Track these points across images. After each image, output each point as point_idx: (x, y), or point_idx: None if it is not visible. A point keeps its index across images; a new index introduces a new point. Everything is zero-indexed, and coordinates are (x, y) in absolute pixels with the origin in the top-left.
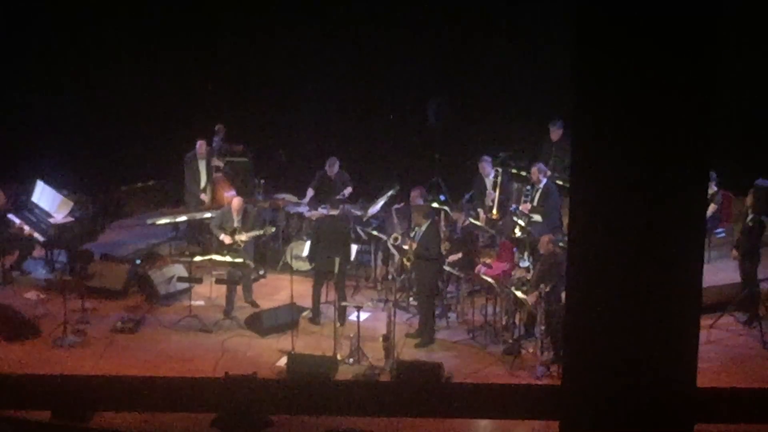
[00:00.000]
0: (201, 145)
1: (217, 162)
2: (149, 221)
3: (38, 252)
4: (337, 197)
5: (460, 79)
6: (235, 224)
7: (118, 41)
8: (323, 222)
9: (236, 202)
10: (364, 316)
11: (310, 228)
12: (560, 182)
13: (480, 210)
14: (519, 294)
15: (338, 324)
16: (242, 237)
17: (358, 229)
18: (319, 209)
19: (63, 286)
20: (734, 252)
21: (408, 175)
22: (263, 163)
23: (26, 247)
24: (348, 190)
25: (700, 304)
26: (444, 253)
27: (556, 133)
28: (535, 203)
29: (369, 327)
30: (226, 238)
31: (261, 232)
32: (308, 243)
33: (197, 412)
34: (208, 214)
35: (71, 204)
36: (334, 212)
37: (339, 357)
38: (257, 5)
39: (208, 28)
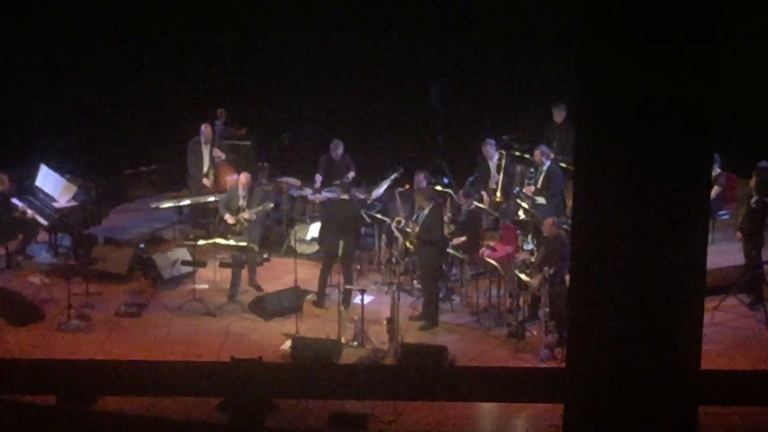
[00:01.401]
0: (205, 128)
1: (219, 153)
2: (153, 205)
3: (42, 236)
4: (342, 181)
5: (463, 61)
6: (241, 201)
7: (121, 24)
8: (333, 205)
9: (243, 177)
10: (368, 299)
11: (314, 211)
12: (564, 164)
13: (484, 193)
14: (523, 277)
15: (342, 307)
16: (245, 215)
17: (362, 213)
18: (323, 193)
19: (67, 270)
20: (738, 234)
21: (411, 158)
22: (266, 147)
23: (30, 232)
24: (351, 174)
25: (704, 286)
26: (448, 236)
27: (559, 115)
28: (538, 186)
29: (373, 310)
30: (230, 218)
31: (260, 208)
32: (312, 226)
33: (202, 395)
34: (211, 198)
35: (75, 188)
36: (345, 196)
37: (343, 340)
38: None
39: (211, 12)
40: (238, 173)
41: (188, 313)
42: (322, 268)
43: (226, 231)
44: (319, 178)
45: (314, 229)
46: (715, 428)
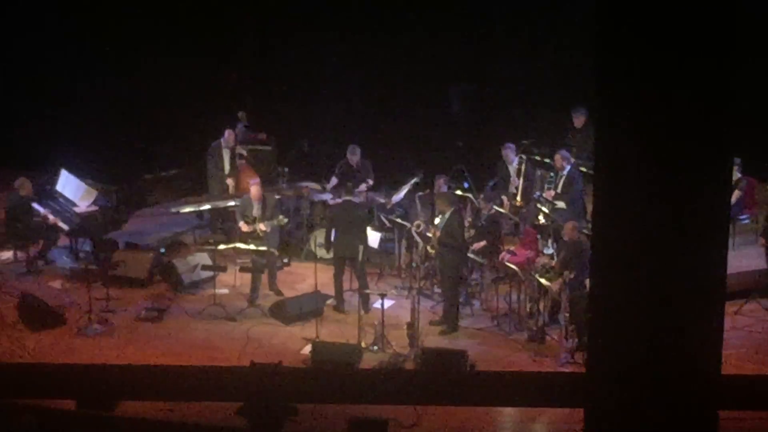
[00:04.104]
0: (229, 134)
1: (241, 150)
2: (173, 210)
3: (63, 241)
4: (358, 187)
5: (483, 66)
6: (255, 212)
7: (143, 30)
8: (340, 209)
9: (254, 190)
10: (388, 303)
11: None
12: (584, 169)
13: (504, 197)
14: (543, 281)
15: (362, 312)
16: (261, 227)
17: (382, 217)
18: (343, 197)
19: (87, 275)
20: (762, 240)
21: (431, 162)
22: (287, 152)
23: (51, 237)
24: (369, 183)
25: (725, 290)
26: (468, 240)
27: (579, 119)
28: (558, 190)
29: (393, 315)
30: (243, 226)
31: (273, 222)
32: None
33: (222, 400)
34: (231, 203)
35: (95, 193)
36: (348, 197)
37: (363, 345)
38: None
39: (232, 18)
40: (259, 177)
41: (208, 317)
42: (336, 273)
43: (246, 236)
44: (333, 180)
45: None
46: None
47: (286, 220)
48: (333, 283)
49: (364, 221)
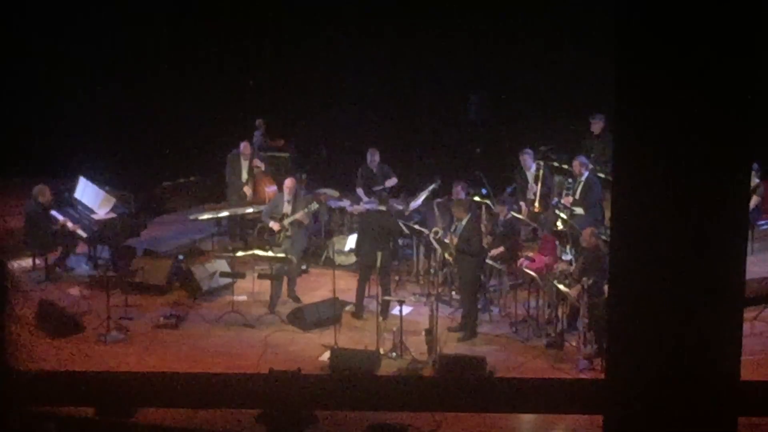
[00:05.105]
0: (245, 146)
1: (258, 163)
2: (191, 217)
3: (81, 248)
4: (379, 189)
5: (501, 73)
6: (285, 207)
7: (160, 37)
8: (369, 216)
9: (289, 181)
10: (406, 310)
11: (352, 222)
12: (602, 175)
13: (522, 203)
14: (561, 287)
15: (381, 318)
16: (297, 216)
17: (400, 223)
18: (362, 204)
19: (106, 282)
20: None
21: (449, 169)
22: (304, 158)
23: (69, 244)
24: (392, 181)
25: (744, 296)
26: (486, 246)
27: (597, 125)
28: (576, 196)
29: (411, 321)
30: (274, 225)
31: (306, 210)
32: (350, 237)
33: (241, 408)
34: (250, 209)
35: (114, 200)
36: (382, 207)
37: (382, 351)
38: (296, 1)
39: (249, 25)
40: (277, 184)
41: (227, 324)
42: (360, 279)
43: (265, 242)
44: (360, 191)
45: (352, 241)
46: None
47: (317, 205)
48: (351, 290)
49: (392, 230)
